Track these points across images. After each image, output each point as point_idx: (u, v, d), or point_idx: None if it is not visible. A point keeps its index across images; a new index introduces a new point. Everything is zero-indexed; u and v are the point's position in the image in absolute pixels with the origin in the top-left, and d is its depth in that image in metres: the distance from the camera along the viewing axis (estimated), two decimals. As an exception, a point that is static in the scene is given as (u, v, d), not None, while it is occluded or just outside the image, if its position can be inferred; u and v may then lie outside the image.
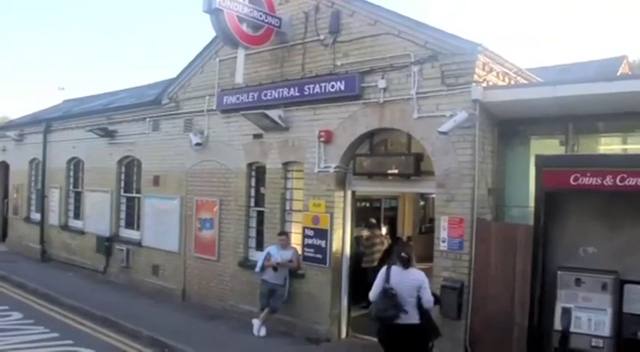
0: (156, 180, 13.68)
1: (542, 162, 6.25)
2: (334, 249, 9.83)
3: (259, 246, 11.24)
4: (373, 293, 7.54)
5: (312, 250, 10.02)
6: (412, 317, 7.11)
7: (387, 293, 7.20)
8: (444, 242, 8.40)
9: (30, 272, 15.85)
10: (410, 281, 7.18)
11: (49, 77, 75.82)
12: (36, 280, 14.61)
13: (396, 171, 9.22)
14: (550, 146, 8.73)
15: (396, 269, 7.33)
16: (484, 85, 8.31)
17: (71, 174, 17.72)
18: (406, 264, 7.26)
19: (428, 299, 7.16)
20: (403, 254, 7.35)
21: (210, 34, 11.23)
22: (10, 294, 13.66)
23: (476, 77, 8.23)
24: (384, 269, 7.58)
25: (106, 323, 10.94)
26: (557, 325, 5.93)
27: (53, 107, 23.81)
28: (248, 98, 11.16)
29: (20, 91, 69.91)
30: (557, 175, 5.98)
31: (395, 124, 9.17)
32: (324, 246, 9.83)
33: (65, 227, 17.59)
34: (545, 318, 6.10)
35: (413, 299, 7.13)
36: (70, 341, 9.73)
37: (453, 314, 8.15)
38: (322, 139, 9.91)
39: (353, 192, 10.12)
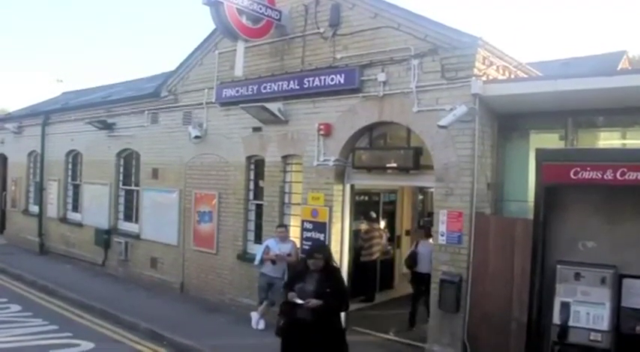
0: (155, 173, 13.67)
1: (542, 156, 6.22)
2: (333, 242, 9.80)
3: (258, 239, 11.24)
4: None
5: (310, 243, 9.98)
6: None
7: None
8: (442, 236, 8.41)
9: (28, 265, 15.85)
10: None
11: (47, 69, 75.64)
12: (34, 272, 14.64)
13: (395, 165, 9.24)
14: (550, 140, 8.72)
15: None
16: (484, 78, 8.29)
17: (70, 166, 17.72)
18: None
19: None
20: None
21: (210, 26, 11.19)
22: (9, 286, 13.68)
23: (476, 71, 8.21)
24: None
25: (105, 315, 10.95)
26: (556, 319, 5.92)
27: (52, 99, 23.78)
28: (247, 91, 11.13)
29: (18, 83, 69.72)
30: (557, 169, 5.96)
31: (394, 118, 9.15)
32: (322, 239, 9.82)
33: (64, 219, 17.59)
34: (543, 312, 6.10)
35: None
36: (69, 333, 9.75)
37: (452, 308, 8.18)
38: (322, 132, 9.89)
39: (352, 186, 10.12)
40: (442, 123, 8.02)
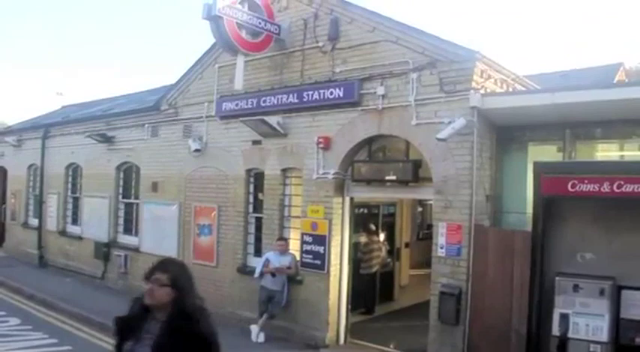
0: (154, 186, 13.69)
1: (541, 168, 6.29)
2: (333, 255, 9.85)
3: (258, 252, 11.25)
4: None
5: (310, 256, 10.04)
6: None
7: None
8: (442, 248, 8.44)
9: (28, 278, 15.79)
10: None
11: (47, 82, 75.86)
12: (34, 286, 14.59)
13: (394, 178, 9.27)
14: (548, 152, 8.78)
15: None
16: (482, 91, 8.36)
17: (69, 179, 17.70)
18: None
19: None
20: None
21: (210, 40, 11.29)
22: (8, 300, 13.62)
23: (474, 84, 8.28)
24: None
25: (104, 328, 10.87)
26: (555, 331, 5.96)
27: (52, 112, 23.84)
28: (247, 104, 11.20)
29: (18, 97, 69.86)
30: (556, 181, 6.03)
31: (393, 131, 9.22)
32: (322, 252, 9.86)
33: (63, 232, 17.55)
34: (543, 324, 6.13)
35: None
36: (68, 347, 9.76)
37: (452, 320, 8.19)
38: (321, 145, 9.94)
39: (351, 199, 10.16)
40: (441, 136, 8.08)
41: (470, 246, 8.15)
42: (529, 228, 6.92)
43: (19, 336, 10.32)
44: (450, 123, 8.17)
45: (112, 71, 77.22)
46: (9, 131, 22.31)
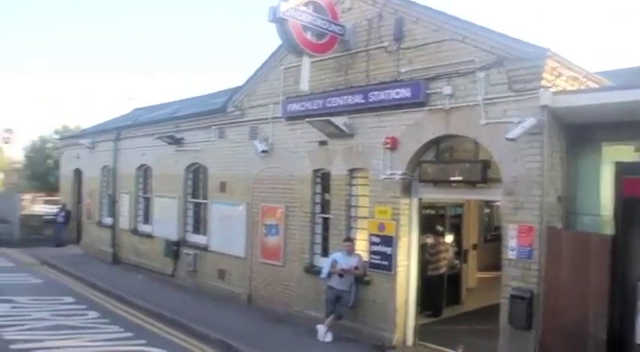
0: (222, 187, 13.98)
1: (622, 169, 6.09)
2: (400, 256, 9.81)
3: (325, 253, 11.33)
4: None
5: (378, 257, 10.03)
6: None
7: None
8: (512, 250, 8.26)
9: (103, 274, 16.58)
10: None
11: (118, 87, 78.69)
12: (108, 281, 15.31)
13: (462, 178, 9.15)
14: (624, 152, 8.42)
15: None
16: (553, 90, 8.13)
17: (140, 180, 18.34)
18: None
19: None
20: None
21: (274, 43, 11.45)
22: (87, 294, 14.36)
23: (544, 82, 8.07)
24: None
25: (175, 324, 11.30)
26: (638, 338, 5.75)
27: (123, 116, 24.69)
28: (312, 105, 11.29)
29: (91, 101, 72.78)
30: (638, 183, 5.81)
31: (461, 131, 9.10)
32: (389, 253, 9.83)
33: (135, 231, 18.19)
34: (625, 331, 5.92)
35: None
36: (143, 341, 10.16)
37: (523, 324, 8.02)
38: (388, 146, 9.91)
39: (419, 199, 10.07)
40: (510, 135, 7.92)
41: (541, 249, 7.95)
42: (604, 230, 6.69)
43: (98, 329, 10.89)
44: (519, 122, 8.00)
45: (183, 73, 79.12)
46: (84, 134, 23.26)
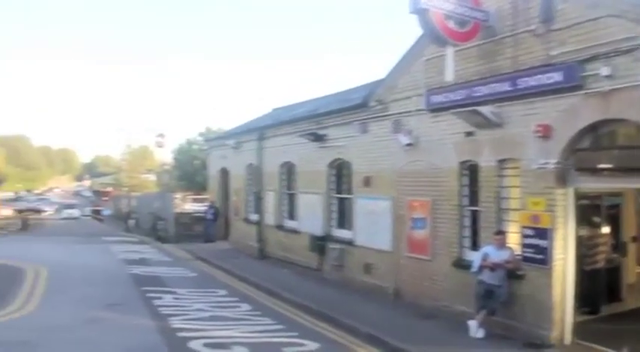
0: (366, 181, 14.07)
1: None
2: (556, 249, 9.31)
3: (474, 246, 11.03)
4: None
5: (531, 250, 9.59)
6: None
7: None
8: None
9: (251, 268, 17.44)
10: None
11: (254, 89, 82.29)
12: (257, 275, 16.05)
13: (623, 166, 8.49)
14: None
15: None
16: None
17: (284, 177, 18.96)
18: None
19: None
20: None
21: (413, 34, 11.33)
22: (237, 287, 15.16)
23: None
24: None
25: (323, 317, 11.55)
26: None
27: (264, 116, 25.64)
28: (457, 96, 11.03)
29: (232, 104, 76.68)
30: None
31: (623, 114, 8.44)
32: (544, 246, 9.36)
33: (280, 227, 18.86)
34: None
35: None
36: (295, 333, 10.48)
37: None
38: (539, 134, 9.42)
39: (575, 189, 9.49)
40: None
41: None
42: None
43: (252, 321, 11.40)
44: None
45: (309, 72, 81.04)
46: (229, 135, 24.49)
